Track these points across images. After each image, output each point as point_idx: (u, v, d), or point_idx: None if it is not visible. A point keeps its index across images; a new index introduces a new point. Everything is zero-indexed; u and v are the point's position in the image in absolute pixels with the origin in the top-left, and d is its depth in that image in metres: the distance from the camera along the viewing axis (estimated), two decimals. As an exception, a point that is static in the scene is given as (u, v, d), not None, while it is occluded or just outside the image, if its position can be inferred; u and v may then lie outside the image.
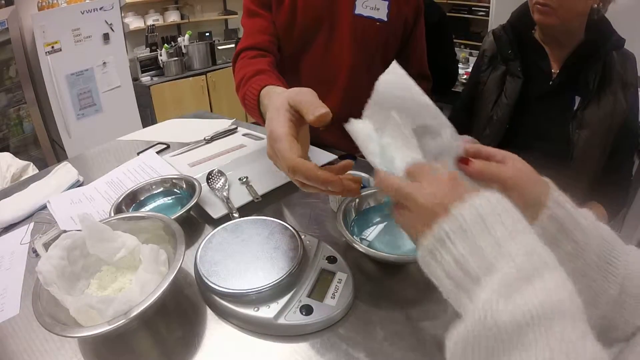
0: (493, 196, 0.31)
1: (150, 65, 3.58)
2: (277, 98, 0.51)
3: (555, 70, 0.92)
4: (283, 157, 0.44)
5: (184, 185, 0.77)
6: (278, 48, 0.93)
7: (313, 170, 0.42)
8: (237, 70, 0.83)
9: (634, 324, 0.38)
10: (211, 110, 3.66)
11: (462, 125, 1.05)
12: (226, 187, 0.78)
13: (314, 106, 0.45)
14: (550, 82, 0.91)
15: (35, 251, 0.67)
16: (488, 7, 3.49)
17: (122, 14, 3.20)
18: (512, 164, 0.38)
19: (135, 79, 3.40)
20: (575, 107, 0.89)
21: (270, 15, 0.93)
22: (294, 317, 0.50)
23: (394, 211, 0.38)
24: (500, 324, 0.26)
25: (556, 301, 0.27)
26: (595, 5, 0.84)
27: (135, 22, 3.56)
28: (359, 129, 0.42)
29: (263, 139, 1.01)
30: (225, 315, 0.53)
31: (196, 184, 0.74)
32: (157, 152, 0.97)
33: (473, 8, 3.81)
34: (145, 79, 3.55)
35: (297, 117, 0.47)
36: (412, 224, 0.34)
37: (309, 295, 0.52)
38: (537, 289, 0.27)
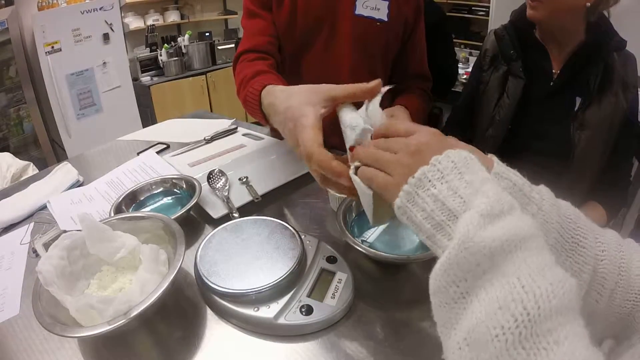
0: (464, 151, 0.34)
1: (150, 65, 3.58)
2: (300, 94, 0.53)
3: (556, 70, 0.92)
4: (304, 144, 0.45)
5: (184, 185, 0.77)
6: (279, 49, 0.93)
7: (328, 160, 0.43)
8: (237, 73, 0.83)
9: (616, 313, 0.37)
10: (211, 110, 3.66)
11: (463, 124, 1.05)
12: (226, 187, 0.78)
13: (355, 85, 0.49)
14: (552, 83, 0.91)
15: (35, 251, 0.67)
16: (488, 7, 3.49)
17: (122, 14, 3.20)
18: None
19: (135, 79, 3.40)
20: (576, 108, 0.89)
21: (271, 16, 0.93)
22: (294, 317, 0.50)
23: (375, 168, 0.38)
24: (482, 243, 0.28)
25: (533, 230, 0.30)
26: (589, 4, 0.84)
27: (135, 22, 3.56)
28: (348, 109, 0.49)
29: (263, 138, 1.01)
30: (225, 315, 0.53)
31: (196, 184, 0.74)
32: (157, 152, 0.97)
33: (473, 8, 3.81)
34: (145, 79, 3.54)
35: (324, 112, 0.50)
36: (398, 170, 0.36)
37: (309, 295, 0.52)
38: (515, 218, 0.30)
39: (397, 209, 0.35)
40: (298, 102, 0.50)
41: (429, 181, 0.33)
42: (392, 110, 0.77)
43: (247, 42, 0.89)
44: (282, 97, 0.55)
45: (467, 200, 0.31)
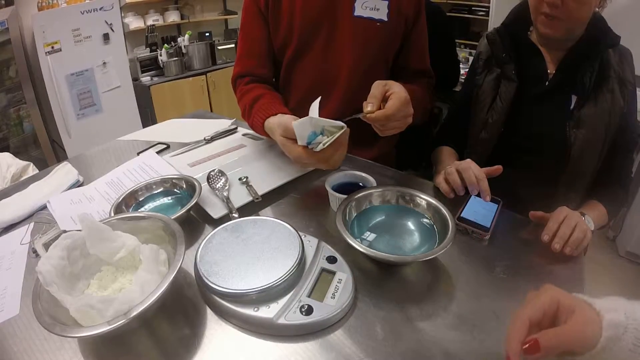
0: None
1: (150, 65, 3.58)
2: (277, 129, 0.75)
3: (551, 70, 0.91)
4: (290, 153, 0.70)
5: (184, 185, 0.77)
6: (274, 59, 0.99)
7: (305, 155, 0.67)
8: (238, 98, 0.98)
9: None
10: (211, 110, 3.66)
11: (459, 126, 1.04)
12: (226, 187, 0.78)
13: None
14: (547, 83, 0.91)
15: (35, 251, 0.67)
16: (488, 7, 3.49)
17: (122, 14, 3.20)
18: None
19: (135, 79, 3.40)
20: (571, 107, 0.88)
21: (266, 24, 0.94)
22: (294, 317, 0.50)
23: None
24: None
25: None
26: (598, 9, 0.84)
27: (135, 22, 3.55)
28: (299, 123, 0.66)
29: (263, 138, 1.01)
30: (225, 315, 0.53)
31: (196, 184, 0.74)
32: (157, 152, 0.97)
33: (473, 8, 3.81)
34: (145, 79, 3.54)
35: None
36: None
37: (309, 295, 0.52)
38: None
39: None
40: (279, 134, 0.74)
41: None
42: (386, 81, 0.73)
43: (238, 64, 0.99)
44: (276, 128, 0.76)
45: None
